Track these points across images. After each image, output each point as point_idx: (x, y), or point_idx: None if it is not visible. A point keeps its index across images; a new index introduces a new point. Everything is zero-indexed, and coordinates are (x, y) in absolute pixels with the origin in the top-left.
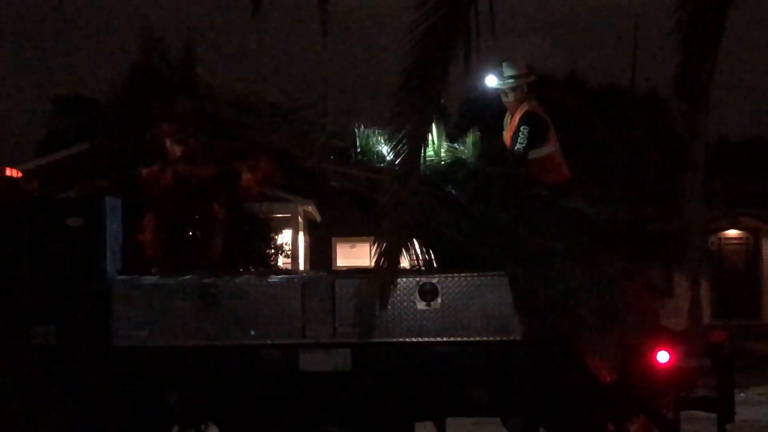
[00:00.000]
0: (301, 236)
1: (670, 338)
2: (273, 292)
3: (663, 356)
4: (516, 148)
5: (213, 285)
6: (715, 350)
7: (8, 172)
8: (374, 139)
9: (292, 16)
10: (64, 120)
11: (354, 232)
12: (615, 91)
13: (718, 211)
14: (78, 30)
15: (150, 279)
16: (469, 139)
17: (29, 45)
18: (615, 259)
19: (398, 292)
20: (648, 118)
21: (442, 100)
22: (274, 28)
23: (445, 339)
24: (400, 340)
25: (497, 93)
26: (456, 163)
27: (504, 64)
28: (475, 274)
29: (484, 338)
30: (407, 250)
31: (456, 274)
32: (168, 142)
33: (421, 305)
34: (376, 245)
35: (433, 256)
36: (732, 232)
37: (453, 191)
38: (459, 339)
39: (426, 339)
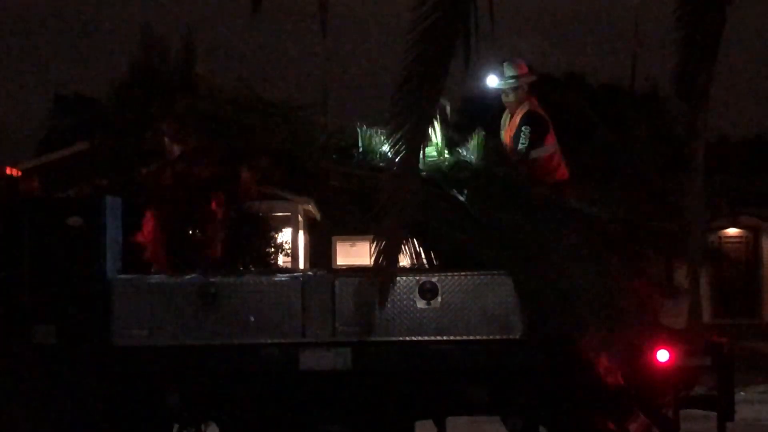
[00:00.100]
0: (301, 235)
1: (670, 337)
2: (273, 291)
3: (663, 355)
4: (518, 148)
5: (213, 284)
6: (715, 349)
7: (8, 171)
8: (376, 139)
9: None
10: (64, 119)
11: (354, 231)
12: (615, 91)
13: (718, 210)
14: (78, 30)
15: (150, 278)
16: (474, 140)
17: (29, 44)
18: (617, 258)
19: (398, 290)
20: (648, 118)
21: (448, 105)
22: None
23: (445, 338)
24: (400, 339)
25: (497, 93)
26: (459, 163)
27: (504, 64)
28: (475, 273)
29: (484, 337)
30: (406, 249)
31: (456, 273)
32: (167, 142)
33: (421, 304)
34: (375, 244)
35: (433, 255)
36: (732, 231)
37: (456, 191)
38: (459, 338)
39: (426, 338)
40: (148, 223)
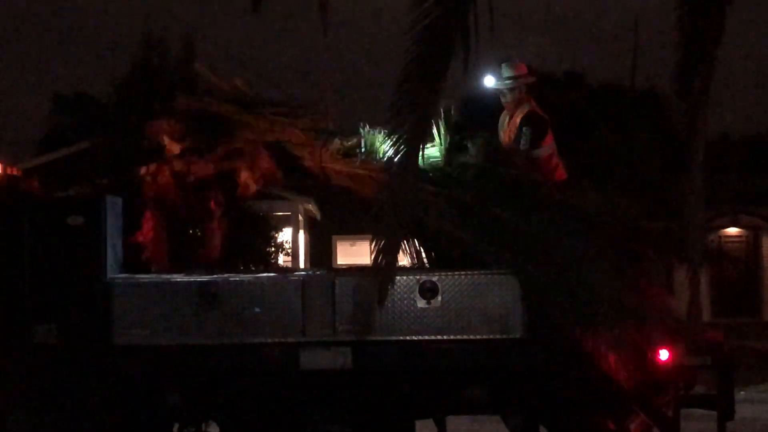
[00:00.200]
0: (301, 234)
1: (670, 336)
2: (273, 290)
3: (663, 354)
4: (520, 148)
5: (213, 284)
6: (715, 348)
7: (8, 170)
8: (379, 138)
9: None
10: (64, 119)
11: (354, 230)
12: (615, 90)
13: (719, 210)
14: (78, 29)
15: (150, 278)
16: (478, 141)
17: (29, 44)
18: (623, 257)
19: (398, 290)
20: (648, 117)
21: (452, 106)
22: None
23: (445, 337)
24: (401, 338)
25: (496, 93)
26: (463, 163)
27: (503, 65)
28: (476, 272)
29: (485, 336)
30: (406, 249)
31: (456, 273)
32: (166, 140)
33: (421, 303)
34: (374, 243)
35: (434, 254)
36: (732, 230)
37: (460, 190)
38: (459, 337)
39: (426, 337)
40: (147, 222)
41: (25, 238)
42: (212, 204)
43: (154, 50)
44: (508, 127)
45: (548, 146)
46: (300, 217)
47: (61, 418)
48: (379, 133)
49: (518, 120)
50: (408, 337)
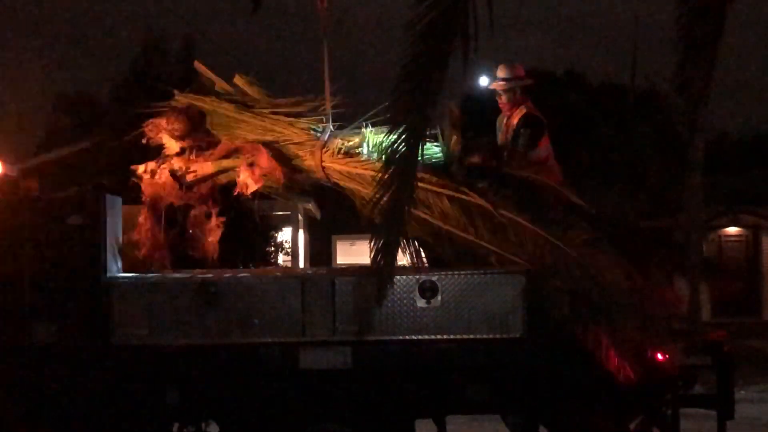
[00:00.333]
0: (301, 234)
1: (670, 335)
2: (273, 290)
3: (663, 353)
4: (519, 149)
5: (213, 283)
6: (714, 348)
7: (8, 170)
8: (379, 137)
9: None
10: (63, 118)
11: (354, 230)
12: (615, 89)
13: (718, 209)
14: (78, 28)
15: (150, 277)
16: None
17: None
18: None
19: (398, 289)
20: (648, 116)
21: (457, 107)
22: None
23: (445, 337)
24: (400, 337)
25: (492, 93)
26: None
27: (499, 66)
28: (475, 271)
29: (484, 336)
30: (405, 248)
31: (456, 272)
32: (165, 138)
33: (421, 303)
34: (373, 243)
35: (433, 254)
36: (732, 230)
37: (464, 189)
38: (459, 336)
39: (426, 337)
40: (145, 221)
41: (25, 237)
42: (211, 203)
43: (154, 49)
44: (505, 129)
45: (544, 148)
46: (300, 217)
47: (61, 417)
48: (379, 132)
49: (515, 121)
50: (408, 337)
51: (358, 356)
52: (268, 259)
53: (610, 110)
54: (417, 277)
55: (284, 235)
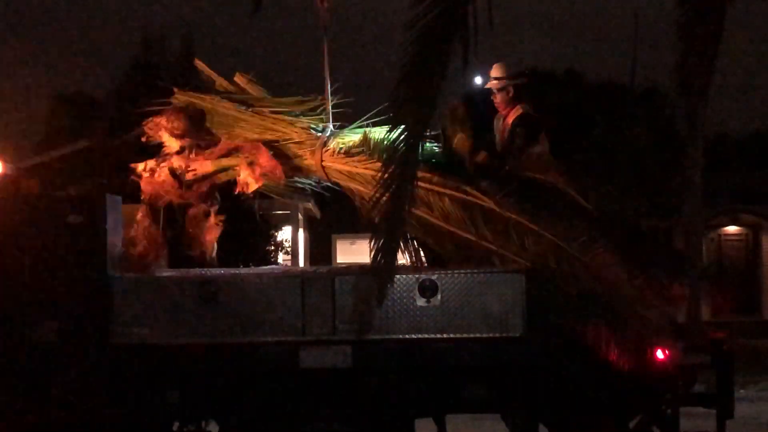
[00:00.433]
0: (300, 233)
1: (669, 334)
2: (273, 289)
3: (662, 352)
4: (514, 148)
5: (213, 282)
6: (714, 346)
7: (8, 169)
8: (379, 136)
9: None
10: (63, 118)
11: (354, 229)
12: (615, 88)
13: (718, 208)
14: (78, 27)
15: (150, 276)
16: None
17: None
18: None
19: (398, 288)
20: (647, 115)
21: (461, 107)
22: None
23: (444, 336)
24: (400, 336)
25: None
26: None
27: (494, 66)
28: (475, 271)
29: (484, 335)
30: (405, 248)
31: (456, 271)
32: (165, 137)
33: (420, 302)
34: (373, 242)
35: (433, 253)
36: (732, 229)
37: (467, 188)
38: (459, 335)
39: (426, 336)
40: (143, 219)
41: (26, 236)
42: (209, 201)
43: (154, 48)
44: (502, 128)
45: (541, 146)
46: (300, 216)
47: (61, 416)
48: (380, 131)
49: (511, 121)
50: (407, 336)
51: (358, 355)
52: (268, 259)
53: (610, 110)
54: (417, 276)
55: (284, 234)
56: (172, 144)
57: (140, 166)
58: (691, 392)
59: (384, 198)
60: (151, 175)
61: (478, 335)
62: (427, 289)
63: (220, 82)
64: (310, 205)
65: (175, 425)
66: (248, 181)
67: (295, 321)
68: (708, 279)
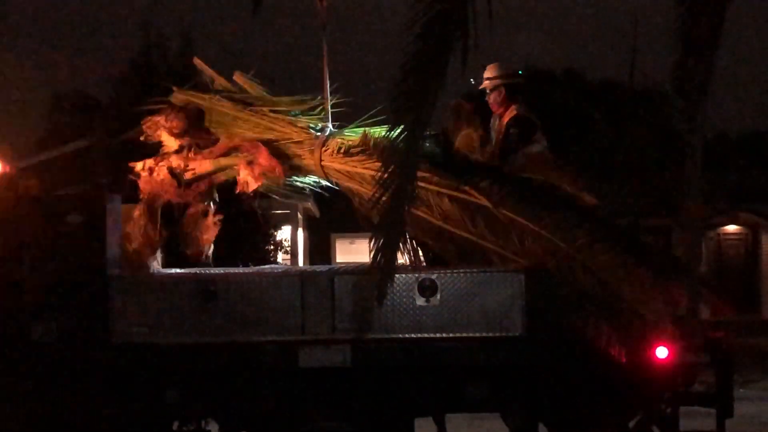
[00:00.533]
0: (300, 232)
1: (669, 333)
2: (272, 288)
3: (662, 352)
4: (507, 149)
5: (213, 282)
6: (713, 346)
7: (7, 169)
8: (378, 135)
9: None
10: (63, 117)
11: (353, 228)
12: (614, 87)
13: (718, 207)
14: (77, 26)
15: (150, 276)
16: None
17: (28, 40)
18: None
19: (397, 288)
20: (646, 114)
21: (467, 104)
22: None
23: (444, 335)
24: (400, 336)
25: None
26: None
27: (488, 66)
28: (475, 270)
29: (484, 334)
30: (404, 247)
31: (455, 271)
32: (164, 136)
33: (420, 301)
34: (373, 241)
35: (433, 253)
36: (731, 228)
37: (467, 187)
38: (458, 335)
39: (425, 335)
40: (140, 216)
41: (25, 236)
42: (207, 200)
43: (153, 47)
44: (498, 128)
45: (539, 144)
46: (299, 215)
47: (61, 416)
48: (379, 130)
49: (506, 121)
50: (407, 335)
51: (358, 354)
52: (267, 258)
53: (609, 108)
54: (416, 275)
55: (283, 233)
56: (170, 143)
57: (139, 165)
58: (691, 391)
59: (384, 198)
60: (150, 174)
61: (477, 334)
62: (427, 289)
63: (219, 81)
64: (310, 204)
65: (175, 424)
66: (248, 180)
67: (294, 320)
68: (707, 286)
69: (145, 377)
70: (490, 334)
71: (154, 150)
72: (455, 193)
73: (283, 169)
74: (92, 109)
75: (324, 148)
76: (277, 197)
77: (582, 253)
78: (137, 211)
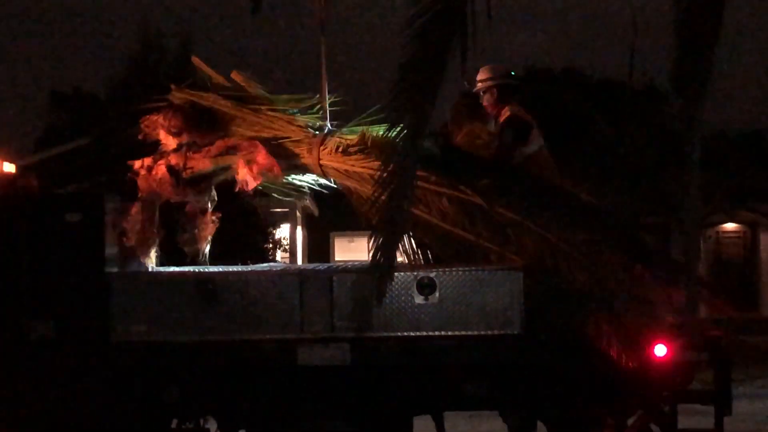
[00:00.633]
0: (299, 231)
1: (667, 332)
2: (271, 286)
3: (660, 350)
4: (503, 149)
5: (211, 280)
6: (712, 343)
7: (6, 167)
8: (377, 134)
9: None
10: (61, 115)
11: (352, 227)
12: (613, 85)
13: (716, 205)
14: (76, 25)
15: (148, 274)
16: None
17: (27, 40)
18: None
19: (396, 286)
20: (645, 113)
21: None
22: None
23: (443, 333)
24: (399, 334)
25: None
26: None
27: (481, 68)
28: (473, 268)
29: (483, 332)
30: (403, 246)
31: (454, 269)
32: (162, 135)
33: (419, 299)
34: (372, 240)
35: (431, 251)
36: (729, 226)
37: (465, 186)
38: (457, 333)
39: (424, 333)
40: (137, 214)
41: (24, 234)
42: (206, 198)
43: (152, 45)
44: (495, 128)
45: (535, 143)
46: (298, 214)
47: (59, 414)
48: (378, 129)
49: (501, 122)
50: (406, 333)
51: (357, 353)
52: (266, 256)
53: (608, 107)
54: (415, 273)
55: (282, 231)
56: (169, 142)
57: (137, 164)
58: (689, 389)
59: (383, 197)
60: (149, 172)
61: (476, 333)
62: (426, 287)
63: (218, 79)
64: (309, 202)
65: (174, 422)
66: (246, 179)
67: (293, 318)
68: (706, 286)
69: (144, 376)
70: (489, 333)
71: (152, 148)
72: (453, 192)
73: (281, 168)
74: (91, 108)
75: (322, 147)
76: (276, 195)
77: (580, 252)
78: (135, 209)
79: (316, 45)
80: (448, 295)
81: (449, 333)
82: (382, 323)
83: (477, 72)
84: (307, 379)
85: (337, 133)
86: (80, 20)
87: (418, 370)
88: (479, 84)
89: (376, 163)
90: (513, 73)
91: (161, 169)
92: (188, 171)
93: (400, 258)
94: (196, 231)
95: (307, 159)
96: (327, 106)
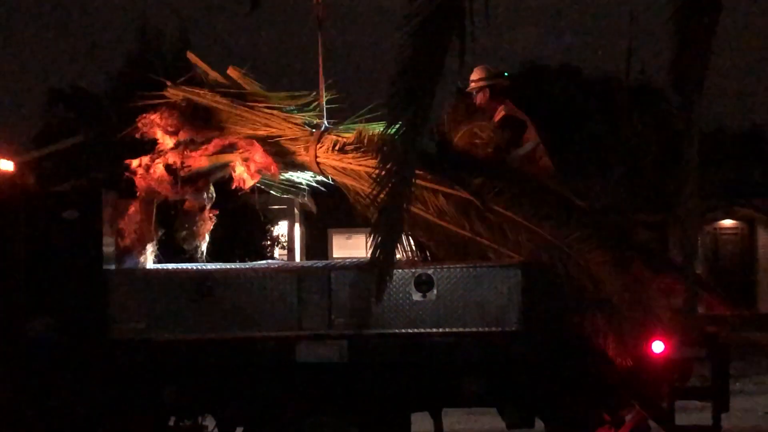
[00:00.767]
0: (297, 228)
1: (665, 328)
2: (269, 283)
3: (658, 346)
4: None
5: (209, 277)
6: (709, 340)
7: (3, 164)
8: (375, 132)
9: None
10: (59, 112)
11: (350, 224)
12: (610, 82)
13: (714, 202)
14: (74, 22)
15: (147, 272)
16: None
17: (25, 37)
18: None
19: (394, 283)
20: (643, 109)
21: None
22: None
23: (441, 330)
24: (396, 331)
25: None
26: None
27: (473, 69)
28: (471, 265)
29: (480, 329)
30: (402, 244)
31: (452, 266)
32: (159, 133)
33: (416, 296)
34: (372, 237)
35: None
36: (727, 222)
37: (459, 188)
38: (455, 330)
39: (422, 330)
40: (135, 213)
41: (22, 232)
42: (204, 196)
43: (149, 43)
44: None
45: (532, 141)
46: (296, 211)
47: (58, 411)
48: (375, 127)
49: (495, 122)
50: (403, 330)
51: (354, 349)
52: (264, 253)
53: (606, 103)
54: (413, 270)
55: (280, 228)
56: (166, 141)
57: (135, 162)
58: (687, 386)
59: (381, 195)
60: (146, 171)
61: (474, 329)
62: (423, 284)
63: (214, 75)
64: (307, 199)
65: (172, 420)
66: (244, 177)
67: (291, 315)
68: (703, 284)
69: (142, 373)
70: (487, 329)
71: (150, 146)
72: (450, 190)
73: (278, 167)
74: (89, 105)
75: (319, 145)
76: (274, 192)
77: (575, 249)
78: (133, 208)
79: (313, 42)
80: (446, 292)
81: (447, 330)
82: (380, 320)
83: (470, 72)
84: (304, 376)
85: (334, 131)
86: (78, 17)
87: (416, 367)
88: (472, 84)
89: (373, 161)
90: (506, 74)
91: (159, 168)
92: (186, 169)
93: (398, 255)
94: (194, 228)
95: (303, 157)
96: (324, 103)
